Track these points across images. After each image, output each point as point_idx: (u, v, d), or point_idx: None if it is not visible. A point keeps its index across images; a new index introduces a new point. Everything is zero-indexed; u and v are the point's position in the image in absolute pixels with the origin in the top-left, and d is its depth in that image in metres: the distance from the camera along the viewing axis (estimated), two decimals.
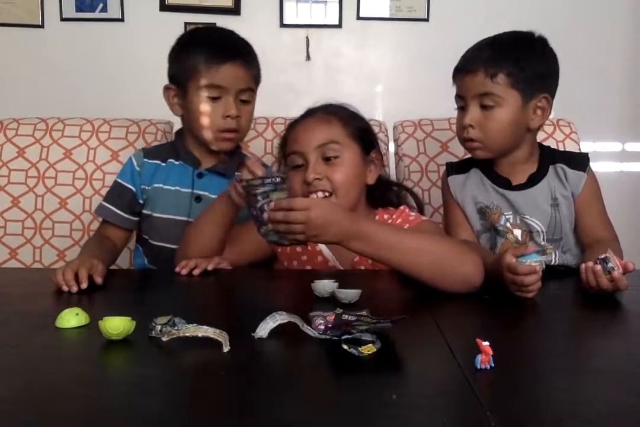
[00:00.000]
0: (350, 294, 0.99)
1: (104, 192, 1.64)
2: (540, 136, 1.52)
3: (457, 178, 1.44)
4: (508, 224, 1.38)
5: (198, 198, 1.50)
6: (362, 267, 1.31)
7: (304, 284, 1.06)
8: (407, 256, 1.05)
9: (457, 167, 1.46)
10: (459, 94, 1.36)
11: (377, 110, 2.77)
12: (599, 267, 1.03)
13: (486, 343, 0.71)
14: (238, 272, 1.30)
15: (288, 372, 0.73)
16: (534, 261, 1.03)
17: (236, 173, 1.20)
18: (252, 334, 0.82)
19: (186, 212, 1.49)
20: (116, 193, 1.51)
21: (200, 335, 0.78)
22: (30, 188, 1.75)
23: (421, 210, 1.47)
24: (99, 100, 2.59)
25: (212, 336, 0.77)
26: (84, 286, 1.10)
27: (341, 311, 0.78)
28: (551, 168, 1.38)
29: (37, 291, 1.14)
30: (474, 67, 1.31)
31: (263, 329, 0.82)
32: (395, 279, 1.15)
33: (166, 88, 1.50)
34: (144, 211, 1.52)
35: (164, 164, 1.53)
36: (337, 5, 2.74)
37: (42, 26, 2.71)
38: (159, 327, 0.82)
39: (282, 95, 2.50)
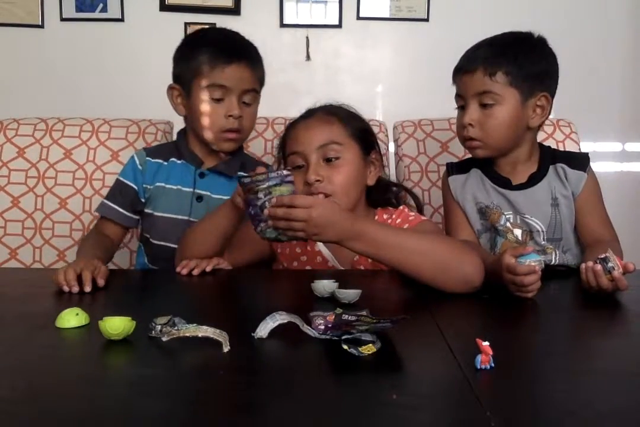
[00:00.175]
0: (350, 294, 0.99)
1: (104, 192, 1.64)
2: (540, 136, 1.52)
3: (457, 178, 1.44)
4: (508, 224, 1.38)
5: (199, 198, 1.50)
6: (362, 267, 1.31)
7: (303, 284, 1.06)
8: (407, 256, 1.06)
9: (457, 167, 1.46)
10: (458, 94, 1.37)
11: (377, 110, 2.77)
12: (599, 267, 1.03)
13: (486, 343, 0.71)
14: (238, 272, 1.29)
15: (288, 372, 0.73)
16: (533, 261, 1.03)
17: (239, 173, 1.20)
18: (252, 334, 0.82)
19: (187, 212, 1.50)
20: (118, 190, 1.52)
21: (200, 335, 0.78)
22: (30, 188, 1.75)
23: (420, 211, 1.47)
24: (99, 100, 2.59)
25: (212, 336, 0.77)
26: (88, 289, 1.09)
27: (341, 311, 0.78)
28: (551, 168, 1.38)
29: (37, 291, 1.14)
30: (473, 66, 1.32)
31: (263, 329, 0.82)
32: (395, 279, 1.15)
33: (170, 88, 1.51)
34: (146, 210, 1.52)
35: (166, 163, 1.53)
36: (337, 5, 2.74)
37: (42, 26, 2.72)
38: (159, 327, 0.82)
39: (282, 96, 2.49)
